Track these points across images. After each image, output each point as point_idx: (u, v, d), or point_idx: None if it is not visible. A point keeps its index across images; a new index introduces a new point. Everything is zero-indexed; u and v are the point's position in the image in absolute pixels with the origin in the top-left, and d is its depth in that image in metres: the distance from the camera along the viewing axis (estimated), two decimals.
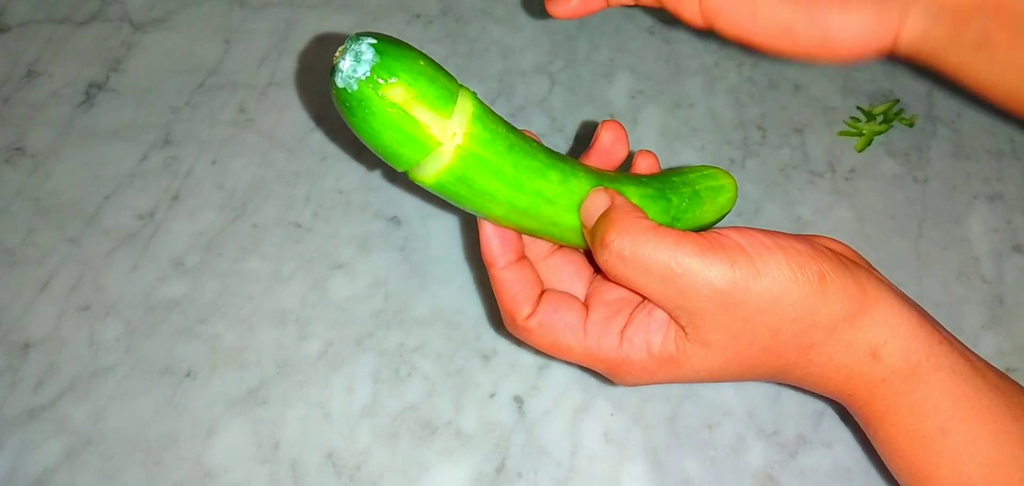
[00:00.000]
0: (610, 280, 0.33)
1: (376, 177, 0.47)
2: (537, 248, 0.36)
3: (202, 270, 0.43)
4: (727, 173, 0.38)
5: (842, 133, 0.49)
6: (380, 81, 0.28)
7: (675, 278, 0.29)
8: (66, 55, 0.51)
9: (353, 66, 0.28)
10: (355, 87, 0.28)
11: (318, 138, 0.48)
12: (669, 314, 0.32)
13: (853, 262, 0.32)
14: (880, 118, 0.50)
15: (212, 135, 0.48)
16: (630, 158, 0.37)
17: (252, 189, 0.46)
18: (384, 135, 0.29)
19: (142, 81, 0.50)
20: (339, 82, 0.28)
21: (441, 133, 0.29)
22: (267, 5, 0.53)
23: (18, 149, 0.47)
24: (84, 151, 0.47)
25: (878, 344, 0.31)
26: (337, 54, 0.28)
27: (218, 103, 0.49)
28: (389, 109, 0.28)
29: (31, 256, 0.43)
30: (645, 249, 0.29)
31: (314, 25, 0.52)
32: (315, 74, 0.51)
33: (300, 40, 0.52)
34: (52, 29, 0.52)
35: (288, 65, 0.51)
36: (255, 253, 0.44)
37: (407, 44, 0.29)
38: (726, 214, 0.38)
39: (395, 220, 0.45)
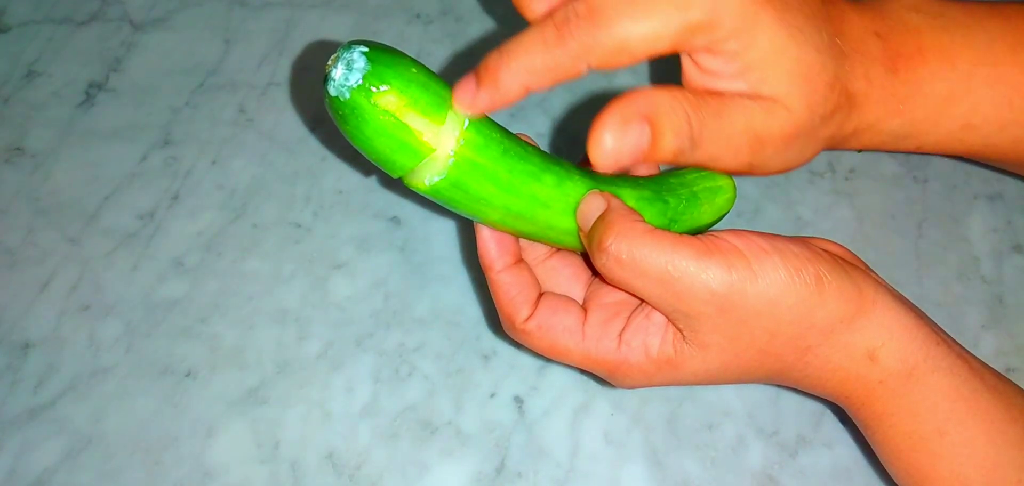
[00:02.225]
0: (607, 283, 0.33)
1: (371, 176, 0.47)
2: (535, 251, 0.36)
3: (202, 270, 0.43)
4: (726, 174, 0.38)
5: None
6: (372, 89, 0.28)
7: (672, 281, 0.29)
8: (66, 55, 0.51)
9: (345, 74, 0.28)
10: (347, 95, 0.28)
11: (318, 138, 0.48)
12: (667, 317, 0.32)
13: (850, 264, 0.32)
14: None
15: (212, 135, 0.48)
16: None
17: (252, 189, 0.46)
18: (377, 142, 0.29)
19: (142, 81, 0.50)
20: (332, 90, 0.28)
21: (434, 139, 0.29)
22: (267, 5, 0.53)
23: (18, 149, 0.47)
24: (84, 151, 0.47)
25: (875, 346, 0.31)
26: (329, 62, 0.28)
27: (218, 103, 0.49)
28: (382, 116, 0.28)
29: (31, 256, 0.44)
30: (642, 253, 0.29)
31: (314, 25, 0.52)
32: (315, 74, 0.51)
33: (300, 40, 0.52)
34: (52, 29, 0.52)
35: (288, 65, 0.51)
36: (255, 253, 0.44)
37: (399, 51, 0.29)
38: (724, 215, 0.38)
39: (395, 220, 0.45)
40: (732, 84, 0.30)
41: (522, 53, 0.29)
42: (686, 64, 0.30)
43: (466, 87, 0.29)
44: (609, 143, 0.28)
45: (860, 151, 0.48)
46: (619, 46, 0.28)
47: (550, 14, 0.29)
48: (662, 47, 0.29)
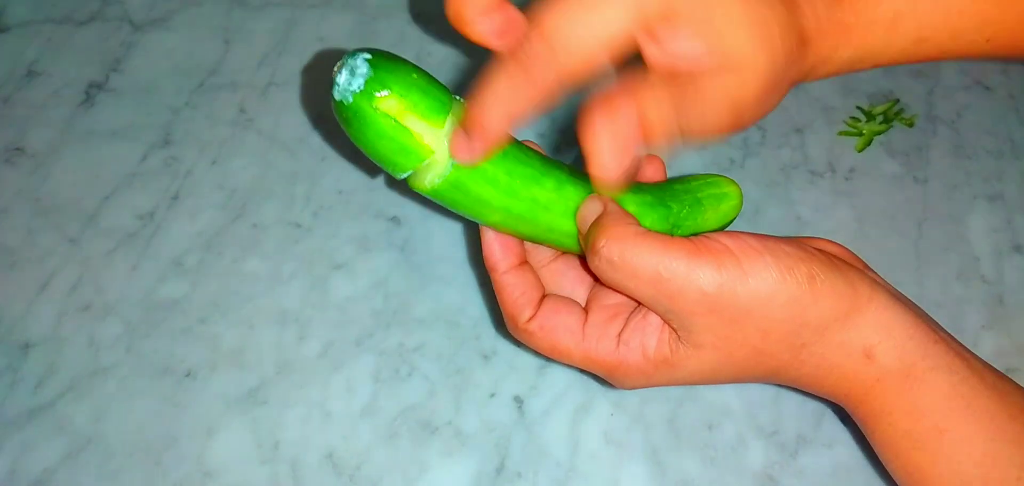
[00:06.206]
0: (604, 285, 0.34)
1: (376, 177, 0.47)
2: (540, 255, 0.37)
3: (202, 270, 0.43)
4: (732, 181, 0.38)
5: (842, 133, 0.49)
6: (374, 93, 0.29)
7: (664, 283, 0.30)
8: (66, 55, 0.51)
9: (348, 80, 0.29)
10: (350, 100, 0.29)
11: (318, 138, 0.48)
12: (661, 318, 0.32)
13: (845, 263, 0.32)
14: (880, 118, 0.50)
15: (212, 135, 0.48)
16: None
17: (252, 189, 0.46)
18: (379, 145, 0.30)
19: (142, 81, 0.50)
20: (336, 95, 0.30)
21: (434, 142, 0.30)
22: (267, 5, 0.53)
23: (18, 149, 0.47)
24: (84, 151, 0.47)
25: (872, 344, 0.31)
26: (335, 68, 0.30)
27: (218, 103, 0.49)
28: (383, 120, 0.29)
29: (31, 256, 0.44)
30: (633, 254, 0.30)
31: (314, 25, 0.52)
32: (315, 74, 0.51)
33: (300, 40, 0.52)
34: (52, 29, 0.52)
35: (288, 65, 0.51)
36: (255, 253, 0.44)
37: (402, 58, 0.31)
38: (731, 222, 0.38)
39: (395, 220, 0.45)
40: (697, 58, 0.29)
41: (495, 99, 0.29)
42: (649, 51, 0.30)
43: (459, 142, 0.30)
44: (610, 164, 0.30)
45: (861, 151, 0.48)
46: (583, 59, 0.28)
47: (512, 51, 0.29)
48: (622, 41, 0.28)
